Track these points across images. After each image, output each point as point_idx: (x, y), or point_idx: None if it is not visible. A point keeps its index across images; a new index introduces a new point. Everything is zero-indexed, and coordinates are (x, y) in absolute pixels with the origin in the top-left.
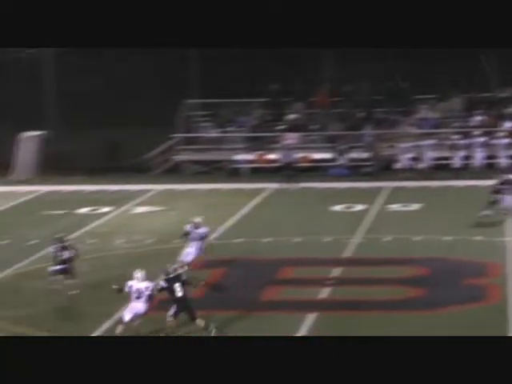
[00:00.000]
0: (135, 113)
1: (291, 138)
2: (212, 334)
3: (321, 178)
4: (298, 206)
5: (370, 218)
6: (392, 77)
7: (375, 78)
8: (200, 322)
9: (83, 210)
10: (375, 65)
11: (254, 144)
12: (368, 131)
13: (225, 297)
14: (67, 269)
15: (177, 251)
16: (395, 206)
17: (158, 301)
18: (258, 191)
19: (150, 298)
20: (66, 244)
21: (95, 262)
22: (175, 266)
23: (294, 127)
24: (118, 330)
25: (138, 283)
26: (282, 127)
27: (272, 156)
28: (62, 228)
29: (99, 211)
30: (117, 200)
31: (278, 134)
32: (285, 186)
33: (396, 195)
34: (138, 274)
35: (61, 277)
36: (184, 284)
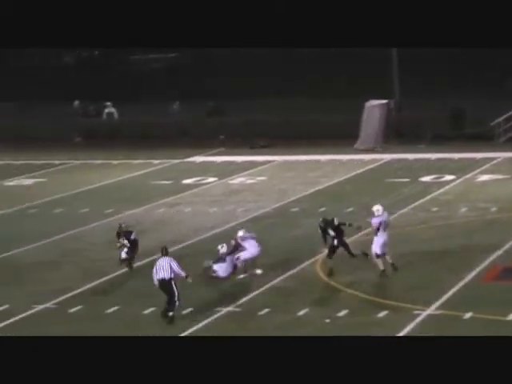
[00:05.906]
0: (481, 80)
1: None
2: None
3: None
4: None
5: None
6: None
7: None
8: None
9: (427, 178)
10: None
11: None
12: None
13: None
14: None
15: None
16: None
17: None
18: None
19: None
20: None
21: (440, 229)
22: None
23: None
24: None
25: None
26: None
27: None
28: (406, 196)
29: (443, 179)
30: (461, 168)
31: None
32: None
33: None
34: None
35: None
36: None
